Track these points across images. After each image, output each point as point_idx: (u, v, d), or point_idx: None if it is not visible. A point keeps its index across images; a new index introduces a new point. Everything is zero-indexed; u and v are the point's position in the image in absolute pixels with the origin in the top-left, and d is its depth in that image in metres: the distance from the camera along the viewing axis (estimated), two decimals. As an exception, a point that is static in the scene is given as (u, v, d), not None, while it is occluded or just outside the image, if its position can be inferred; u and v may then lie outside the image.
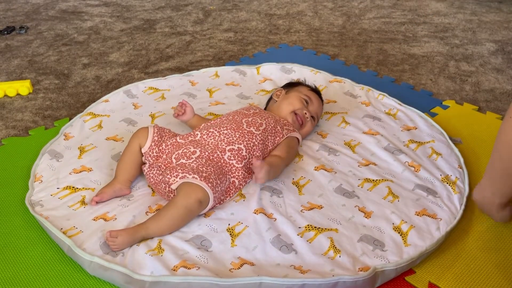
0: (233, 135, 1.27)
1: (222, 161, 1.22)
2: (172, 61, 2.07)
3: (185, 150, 1.23)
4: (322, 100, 1.51)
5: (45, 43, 2.23)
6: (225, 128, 1.28)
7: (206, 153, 1.22)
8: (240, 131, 1.28)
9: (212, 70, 1.87)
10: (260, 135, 1.29)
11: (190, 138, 1.28)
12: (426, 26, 2.41)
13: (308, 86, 1.53)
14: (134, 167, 1.26)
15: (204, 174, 1.14)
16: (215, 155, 1.22)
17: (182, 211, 1.10)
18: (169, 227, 1.10)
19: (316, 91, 1.52)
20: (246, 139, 1.27)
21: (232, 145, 1.25)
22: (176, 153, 1.23)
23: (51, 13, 2.58)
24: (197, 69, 1.89)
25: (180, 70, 1.99)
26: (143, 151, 1.26)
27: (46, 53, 2.14)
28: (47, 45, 2.21)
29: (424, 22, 2.45)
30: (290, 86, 1.53)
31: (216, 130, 1.28)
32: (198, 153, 1.22)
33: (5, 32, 2.30)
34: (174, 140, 1.28)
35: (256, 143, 1.28)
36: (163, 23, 2.46)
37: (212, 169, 1.18)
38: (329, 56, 2.10)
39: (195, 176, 1.13)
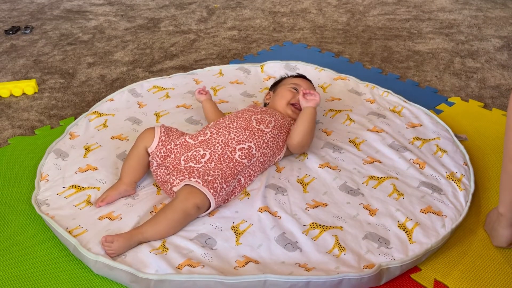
0: (243, 134, 1.26)
1: (234, 161, 1.21)
2: (177, 60, 2.07)
3: (194, 153, 1.22)
4: (309, 80, 1.52)
5: (50, 42, 2.24)
6: (235, 128, 1.28)
7: (216, 155, 1.21)
8: (250, 129, 1.27)
9: (216, 68, 1.87)
10: (270, 133, 1.29)
11: (200, 138, 1.27)
12: (431, 22, 2.40)
13: (290, 76, 1.54)
14: (140, 169, 1.25)
15: (209, 178, 1.14)
16: (226, 156, 1.21)
17: (180, 214, 1.09)
18: (166, 231, 1.09)
19: (299, 76, 1.53)
20: (256, 137, 1.26)
21: (242, 144, 1.24)
22: (185, 154, 1.22)
23: (56, 12, 2.59)
24: (201, 68, 1.89)
25: (184, 68, 2.00)
26: (149, 150, 1.25)
27: (51, 52, 2.15)
28: (52, 44, 2.22)
29: (429, 19, 2.43)
30: (275, 85, 1.54)
31: (225, 130, 1.27)
32: (208, 156, 1.21)
33: (11, 32, 2.32)
34: (183, 140, 1.26)
35: (266, 140, 1.27)
36: (167, 21, 2.46)
37: (220, 172, 1.17)
38: (334, 54, 2.09)
39: (198, 180, 1.13)
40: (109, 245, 1.04)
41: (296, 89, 1.44)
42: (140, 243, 1.08)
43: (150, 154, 1.25)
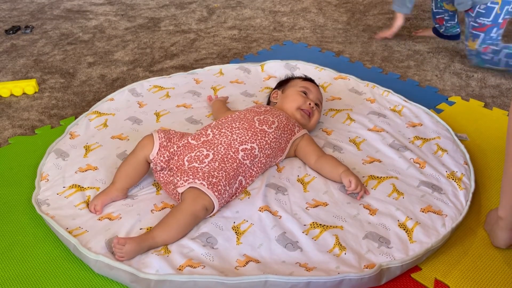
0: (246, 134, 1.25)
1: (237, 161, 1.20)
2: (177, 59, 2.07)
3: (198, 153, 1.21)
4: (317, 85, 1.52)
5: (50, 42, 2.24)
6: (237, 128, 1.27)
7: (220, 155, 1.20)
8: (253, 130, 1.27)
9: (216, 68, 1.87)
10: (273, 133, 1.28)
11: (202, 139, 1.25)
12: (431, 21, 2.39)
13: (299, 77, 1.53)
14: (135, 176, 1.23)
15: (214, 180, 1.13)
16: (229, 157, 1.20)
17: (189, 217, 1.09)
18: (177, 234, 1.08)
19: (308, 79, 1.53)
20: (259, 138, 1.26)
21: (245, 144, 1.23)
22: (189, 155, 1.21)
23: (56, 12, 2.59)
24: (202, 67, 1.89)
25: (184, 68, 2.00)
26: (151, 157, 1.22)
27: (52, 52, 2.15)
28: (53, 44, 2.22)
29: (429, 18, 2.43)
30: (283, 84, 1.53)
31: (228, 130, 1.26)
32: (211, 156, 1.20)
33: (11, 32, 2.32)
34: (185, 141, 1.24)
35: (268, 141, 1.27)
36: (167, 21, 2.46)
37: (224, 173, 1.16)
38: (334, 53, 2.09)
39: (203, 183, 1.12)
40: (120, 247, 1.02)
41: (305, 93, 1.44)
42: (150, 248, 1.06)
43: (153, 160, 1.23)
